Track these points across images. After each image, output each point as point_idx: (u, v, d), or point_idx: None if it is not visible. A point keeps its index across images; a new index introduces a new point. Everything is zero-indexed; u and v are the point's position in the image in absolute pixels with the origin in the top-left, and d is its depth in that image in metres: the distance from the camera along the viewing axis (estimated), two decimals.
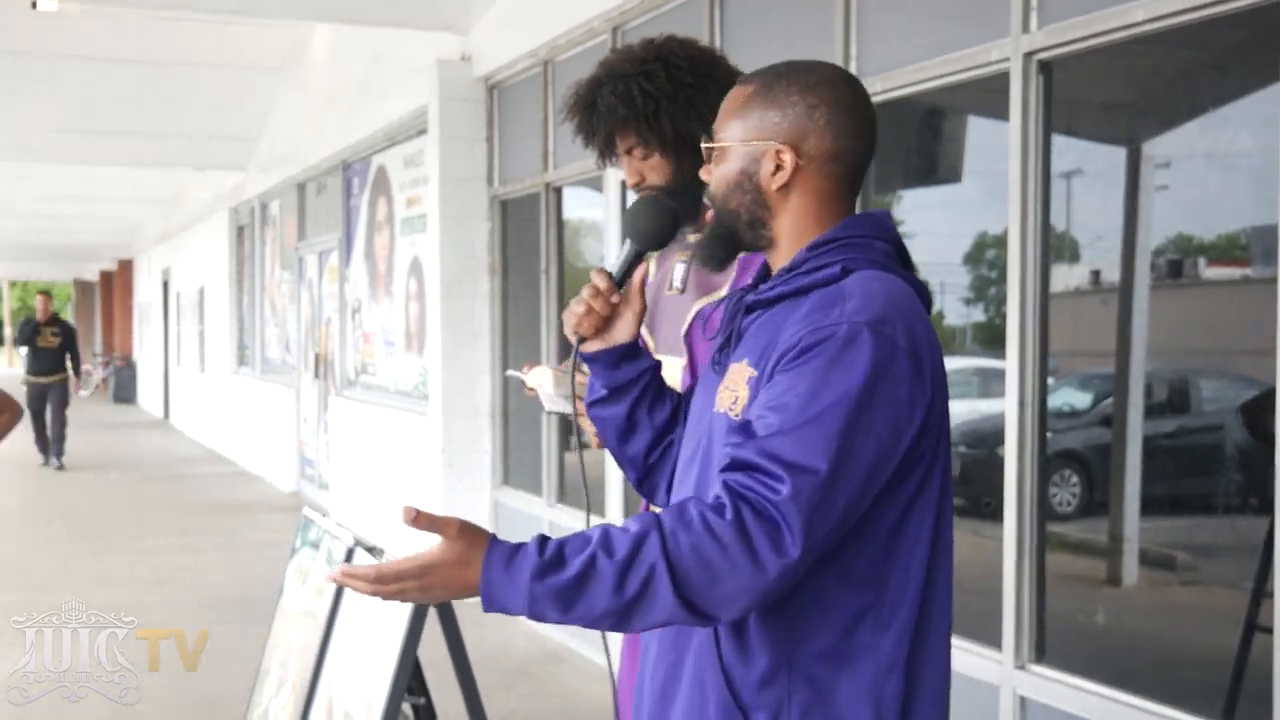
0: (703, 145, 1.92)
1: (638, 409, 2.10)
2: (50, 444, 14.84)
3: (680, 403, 2.12)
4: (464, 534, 1.68)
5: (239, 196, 15.29)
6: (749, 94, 1.86)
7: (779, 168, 1.83)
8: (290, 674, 4.11)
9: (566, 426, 7.19)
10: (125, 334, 29.53)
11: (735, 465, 1.67)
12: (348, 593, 3.85)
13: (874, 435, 1.66)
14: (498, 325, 7.91)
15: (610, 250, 6.45)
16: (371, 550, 3.82)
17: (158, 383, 23.25)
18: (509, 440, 7.90)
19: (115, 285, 30.97)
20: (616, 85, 2.62)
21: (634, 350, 2.09)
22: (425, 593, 1.69)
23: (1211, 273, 3.78)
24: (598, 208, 6.86)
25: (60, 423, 14.87)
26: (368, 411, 10.08)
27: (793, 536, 1.61)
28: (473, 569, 1.67)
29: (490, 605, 1.67)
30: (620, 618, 1.65)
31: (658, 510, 1.77)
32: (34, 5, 9.09)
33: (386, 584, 1.67)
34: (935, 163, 4.98)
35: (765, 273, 1.94)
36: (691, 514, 1.64)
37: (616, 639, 2.68)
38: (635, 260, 2.09)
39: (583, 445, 2.37)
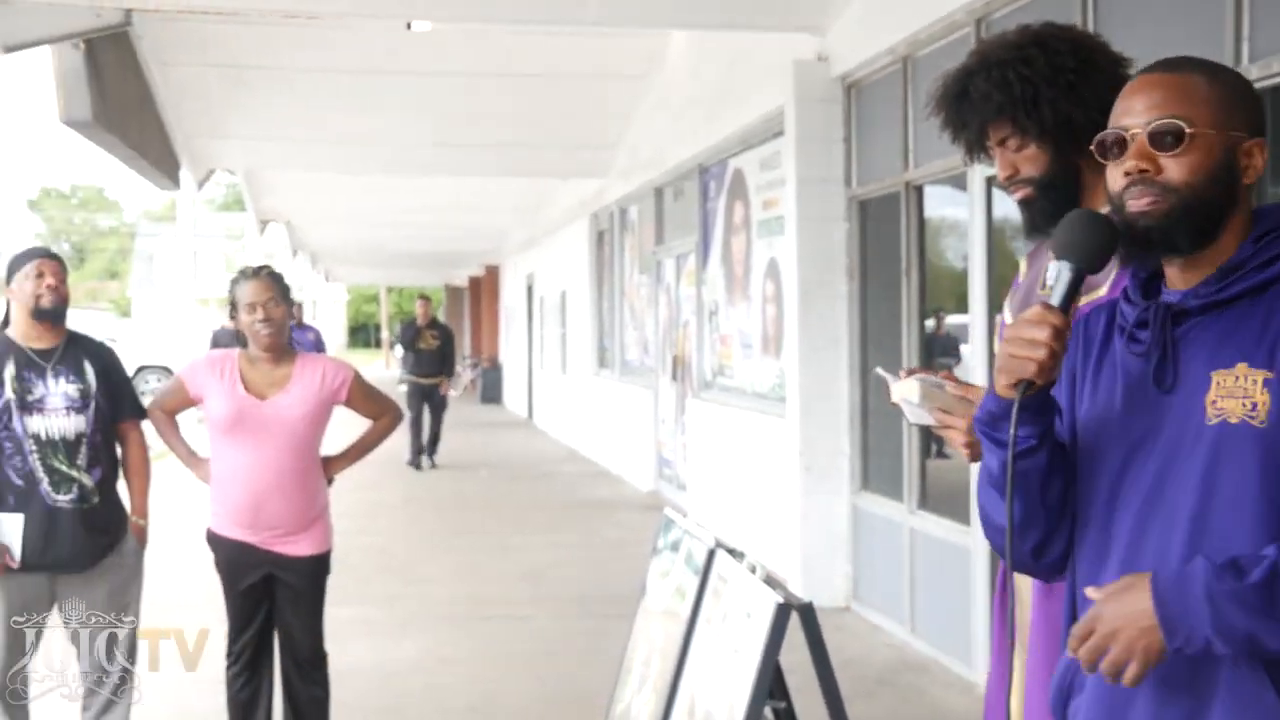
0: (1180, 129, 1.78)
1: (1055, 451, 1.90)
2: (426, 446, 15.41)
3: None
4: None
5: (599, 202, 15.74)
6: (1205, 83, 1.81)
7: (1249, 164, 1.81)
8: (652, 672, 4.15)
9: (928, 431, 7.03)
10: (492, 337, 30.95)
11: None
12: (709, 595, 3.86)
13: None
14: (856, 328, 7.80)
15: (976, 249, 6.25)
16: (732, 552, 3.81)
17: (522, 384, 24.22)
18: (868, 444, 7.78)
19: (483, 290, 32.55)
20: (991, 72, 2.50)
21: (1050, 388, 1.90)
22: (1112, 637, 1.70)
23: None
24: (961, 206, 6.67)
25: (438, 423, 15.50)
26: (725, 413, 10.15)
27: None
28: (1140, 591, 1.69)
29: (1172, 627, 1.66)
30: None
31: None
32: (409, 26, 9.64)
33: (1082, 642, 1.74)
34: None
35: (1146, 278, 1.87)
36: None
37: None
38: (1078, 284, 1.84)
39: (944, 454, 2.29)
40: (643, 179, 13.11)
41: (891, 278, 7.34)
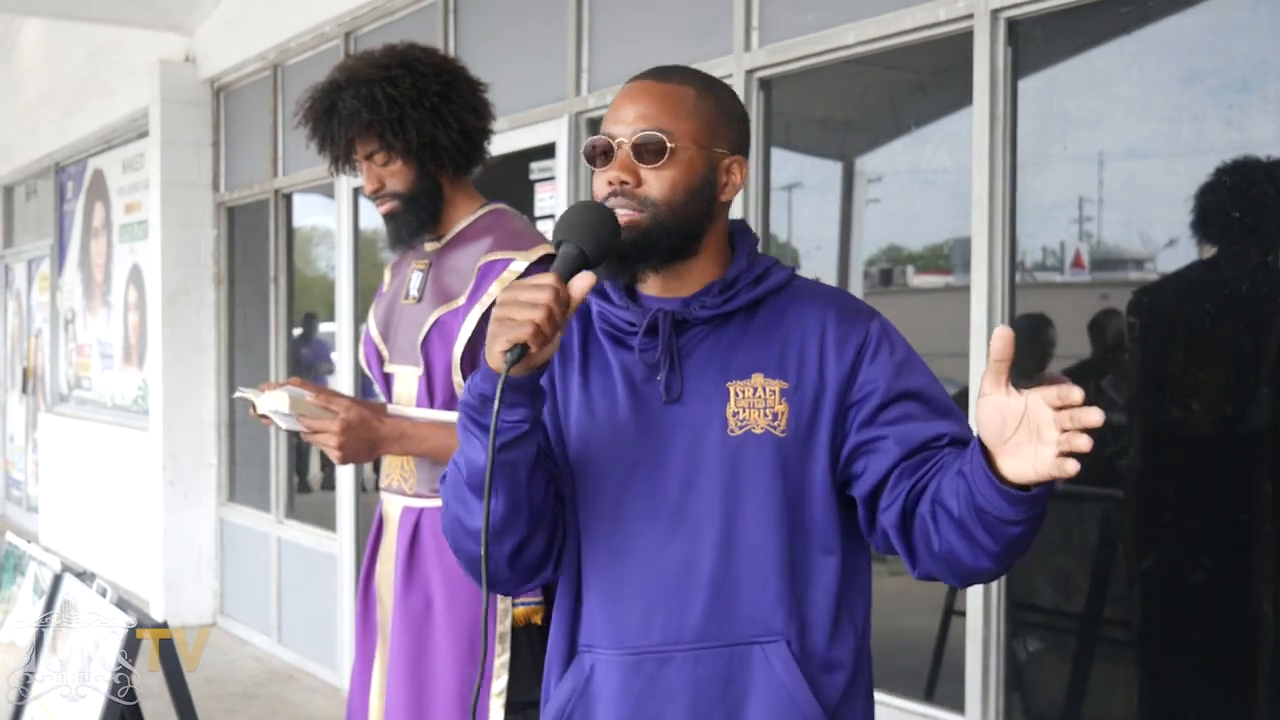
0: (662, 143, 1.71)
1: (543, 444, 1.77)
2: None
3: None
4: None
5: None
6: (694, 97, 1.75)
7: (728, 181, 1.78)
8: None
9: (301, 445, 7.03)
10: None
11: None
12: (55, 623, 3.66)
13: None
14: (224, 336, 7.66)
15: (344, 259, 6.32)
16: (81, 576, 3.64)
17: None
18: (235, 454, 7.65)
19: None
20: (359, 89, 2.57)
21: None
22: None
23: (919, 280, 3.94)
24: (329, 215, 6.72)
25: None
26: (83, 428, 9.61)
27: None
28: None
29: None
30: None
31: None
32: None
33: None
34: None
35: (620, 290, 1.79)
36: None
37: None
38: (578, 266, 1.64)
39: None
40: None
41: (261, 285, 7.28)
